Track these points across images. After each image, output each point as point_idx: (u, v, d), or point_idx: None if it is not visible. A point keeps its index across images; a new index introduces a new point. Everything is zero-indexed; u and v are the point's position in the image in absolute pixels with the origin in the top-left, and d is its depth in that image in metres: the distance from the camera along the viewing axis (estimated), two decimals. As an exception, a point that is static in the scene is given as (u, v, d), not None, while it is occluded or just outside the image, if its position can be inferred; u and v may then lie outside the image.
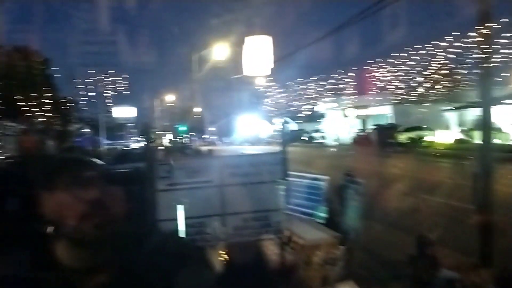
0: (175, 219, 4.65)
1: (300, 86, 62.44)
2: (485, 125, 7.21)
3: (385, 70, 50.12)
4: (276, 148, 5.27)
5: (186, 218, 4.70)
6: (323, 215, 3.05)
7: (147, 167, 4.70)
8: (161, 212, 4.61)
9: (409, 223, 7.63)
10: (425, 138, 34.16)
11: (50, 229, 1.30)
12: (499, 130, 31.03)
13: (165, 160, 7.43)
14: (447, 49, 44.52)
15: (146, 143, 5.13)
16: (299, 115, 64.65)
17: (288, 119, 65.00)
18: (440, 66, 44.50)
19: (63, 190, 1.28)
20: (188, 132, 41.01)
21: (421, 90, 43.69)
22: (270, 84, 61.95)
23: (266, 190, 4.76)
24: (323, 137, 48.18)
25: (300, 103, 63.67)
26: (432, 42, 44.80)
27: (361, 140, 37.72)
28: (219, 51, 23.86)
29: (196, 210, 4.83)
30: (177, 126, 42.15)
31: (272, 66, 8.40)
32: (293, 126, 63.41)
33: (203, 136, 55.70)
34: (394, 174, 14.03)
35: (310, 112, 61.76)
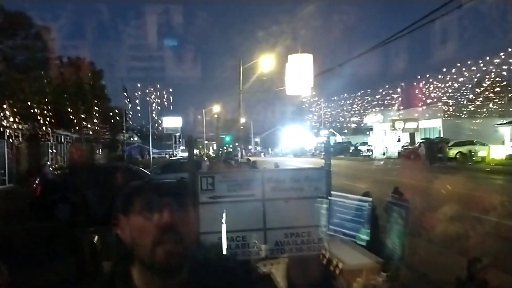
0: (217, 232, 4.63)
1: (347, 101, 61.86)
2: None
3: (435, 85, 48.74)
4: (320, 163, 5.19)
5: (228, 231, 4.68)
6: (366, 237, 2.93)
7: (190, 178, 4.74)
8: (203, 225, 4.62)
9: (461, 244, 7.26)
10: (478, 153, 32.76)
11: (96, 238, 1.31)
12: None
13: (208, 171, 7.50)
14: (501, 65, 42.79)
15: (189, 154, 5.18)
16: (345, 127, 63.95)
17: (333, 132, 64.39)
18: (493, 82, 42.77)
19: (137, 212, 1.29)
20: (233, 142, 41.37)
21: (473, 105, 42.06)
22: (315, 97, 61.72)
23: (309, 206, 4.68)
24: (370, 150, 47.33)
25: (346, 117, 62.99)
26: (485, 57, 43.18)
27: (408, 154, 36.69)
28: (264, 64, 24.05)
29: (238, 223, 4.81)
30: (222, 136, 42.64)
31: (312, 85, 8.31)
32: (339, 138, 62.71)
33: (248, 147, 56.05)
34: (444, 191, 13.49)
35: (356, 125, 60.94)
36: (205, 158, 30.86)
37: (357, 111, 60.95)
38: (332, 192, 3.88)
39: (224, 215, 4.47)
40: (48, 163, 22.89)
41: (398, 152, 39.65)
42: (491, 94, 42.00)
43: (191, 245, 1.30)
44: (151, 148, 39.30)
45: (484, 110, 39.78)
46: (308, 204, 4.79)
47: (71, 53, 33.35)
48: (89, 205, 10.24)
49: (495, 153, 31.97)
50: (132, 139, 56.27)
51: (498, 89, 43.74)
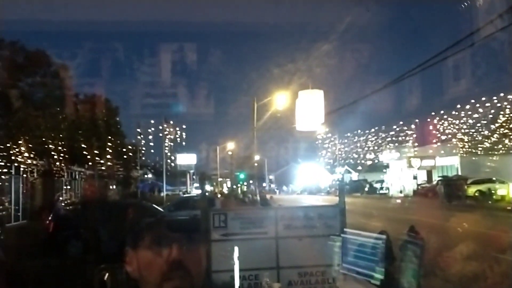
0: (229, 271, 4.54)
1: (361, 138, 61.73)
2: None
3: (449, 121, 48.47)
4: (335, 201, 5.12)
5: (240, 270, 4.59)
6: (380, 276, 2.85)
7: (203, 216, 4.71)
8: (215, 263, 4.55)
9: (478, 283, 7.01)
10: (497, 192, 32.10)
11: (106, 275, 1.30)
12: None
13: (221, 209, 7.45)
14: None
15: (201, 191, 5.18)
16: (359, 164, 63.47)
17: (349, 169, 63.96)
18: (508, 118, 42.31)
19: (145, 248, 1.29)
20: (247, 180, 41.29)
21: (488, 141, 41.55)
22: (329, 134, 61.72)
23: (322, 245, 4.58)
24: (386, 188, 46.76)
25: (360, 153, 62.67)
26: (499, 94, 43.00)
27: (426, 192, 36.19)
28: (278, 101, 24.21)
29: (250, 262, 4.72)
30: (236, 173, 42.63)
31: (323, 120, 8.39)
32: (354, 176, 62.20)
33: (262, 184, 55.84)
34: (462, 229, 13.18)
35: (371, 162, 60.50)
36: (219, 195, 30.78)
37: (372, 148, 60.67)
38: (345, 230, 3.81)
39: (236, 253, 4.39)
40: (61, 198, 23.03)
41: (414, 190, 39.11)
42: (507, 131, 41.47)
43: (199, 283, 1.28)
44: (164, 185, 39.34)
45: (500, 146, 39.27)
46: (321, 243, 4.69)
47: (87, 90, 34.04)
48: (101, 241, 10.22)
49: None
50: (146, 175, 56.54)
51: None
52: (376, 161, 57.73)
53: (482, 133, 44.29)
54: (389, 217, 18.02)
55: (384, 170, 52.91)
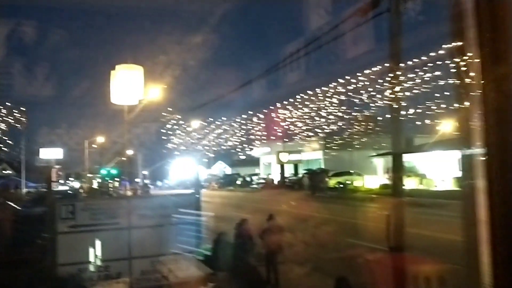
0: (78, 263, 4.45)
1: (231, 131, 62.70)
2: (396, 172, 7.74)
3: (315, 119, 51.60)
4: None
5: (89, 262, 4.52)
6: (205, 252, 3.10)
7: (49, 208, 4.51)
8: (61, 256, 4.41)
9: (319, 263, 7.79)
10: (354, 183, 35.50)
11: None
12: (423, 176, 32.99)
13: (69, 201, 7.18)
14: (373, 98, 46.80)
15: (48, 185, 4.97)
16: (233, 160, 64.94)
17: (222, 163, 65.33)
18: (365, 117, 46.54)
19: None
20: (119, 175, 39.80)
21: (349, 138, 45.30)
22: (205, 129, 61.90)
23: (176, 233, 4.70)
24: (258, 181, 48.64)
25: (235, 148, 64.06)
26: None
27: (292, 184, 38.75)
28: (151, 92, 23.58)
29: (101, 253, 4.65)
30: (105, 169, 40.94)
31: (142, 97, 8.77)
32: (228, 170, 63.64)
33: (135, 180, 54.28)
34: (315, 217, 14.45)
35: (245, 156, 62.30)
36: (81, 191, 29.53)
37: (241, 142, 61.93)
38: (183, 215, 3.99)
39: (86, 244, 4.33)
40: None
41: (284, 183, 41.54)
42: (361, 128, 45.60)
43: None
44: (23, 181, 36.29)
45: (357, 143, 43.19)
46: (175, 231, 4.82)
47: None
48: None
49: (370, 182, 34.83)
50: (4, 171, 51.39)
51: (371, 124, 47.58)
52: (247, 156, 59.58)
53: (346, 131, 48.08)
54: (255, 208, 18.90)
55: (258, 165, 55.08)
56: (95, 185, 48.22)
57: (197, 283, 3.01)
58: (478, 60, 1.97)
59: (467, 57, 2.04)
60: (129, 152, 40.27)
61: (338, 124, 44.72)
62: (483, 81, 1.94)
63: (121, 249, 4.78)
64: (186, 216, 4.68)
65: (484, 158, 1.96)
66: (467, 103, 2.07)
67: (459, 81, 2.16)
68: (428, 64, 28.12)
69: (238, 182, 51.07)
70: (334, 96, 46.34)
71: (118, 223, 4.73)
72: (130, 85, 8.13)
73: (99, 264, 4.46)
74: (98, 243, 4.32)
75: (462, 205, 2.13)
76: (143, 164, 68.96)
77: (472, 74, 2.03)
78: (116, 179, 40.83)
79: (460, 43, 2.10)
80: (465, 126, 2.11)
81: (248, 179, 51.25)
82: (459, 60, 2.13)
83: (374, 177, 37.06)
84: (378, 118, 41.23)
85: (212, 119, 57.55)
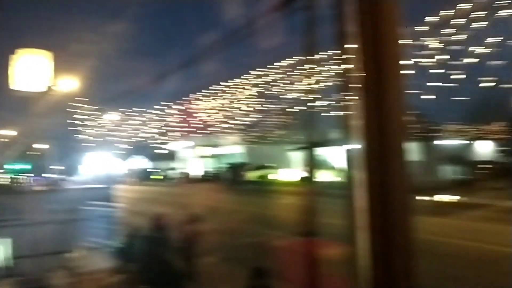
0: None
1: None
2: (308, 164, 8.15)
3: (235, 113, 52.08)
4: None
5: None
6: (115, 245, 3.18)
7: None
8: None
9: (231, 252, 8.05)
10: (270, 176, 36.55)
11: None
12: (332, 168, 34.66)
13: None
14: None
15: None
16: (151, 153, 63.73)
17: (137, 156, 64.04)
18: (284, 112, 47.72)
19: None
20: (31, 170, 37.45)
21: (267, 133, 46.34)
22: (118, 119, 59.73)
23: (79, 227, 4.68)
24: (172, 175, 48.34)
25: (154, 142, 62.79)
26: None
27: (213, 178, 39.03)
28: (64, 84, 22.42)
29: (5, 251, 4.51)
30: (12, 164, 38.36)
31: (49, 84, 8.46)
32: (145, 163, 62.47)
33: (46, 175, 51.40)
34: (225, 209, 14.76)
35: (162, 150, 61.36)
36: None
37: (160, 134, 60.86)
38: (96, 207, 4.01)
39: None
40: None
41: (202, 176, 41.67)
42: (277, 123, 46.84)
43: None
44: None
45: (272, 136, 44.36)
46: (75, 225, 4.78)
47: None
48: None
49: (285, 175, 35.94)
50: None
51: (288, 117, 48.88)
52: (164, 149, 58.84)
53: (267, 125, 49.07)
54: (172, 202, 18.87)
55: (175, 158, 54.57)
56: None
57: (105, 275, 3.09)
58: (360, 60, 2.17)
59: (351, 56, 2.23)
60: (41, 145, 38.04)
61: (257, 117, 45.63)
62: (364, 81, 2.16)
63: (29, 245, 4.67)
64: (98, 209, 4.69)
65: (364, 152, 2.18)
66: (350, 101, 2.27)
67: (344, 80, 2.35)
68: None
69: (155, 177, 50.40)
70: (251, 88, 47.22)
71: (25, 219, 4.63)
72: (35, 71, 7.67)
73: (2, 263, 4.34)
74: (3, 241, 4.21)
75: (346, 195, 2.32)
76: (58, 158, 65.35)
77: (354, 74, 2.22)
78: (27, 174, 38.41)
79: (344, 45, 2.29)
80: (349, 122, 2.31)
81: (164, 173, 50.72)
82: (342, 60, 2.33)
83: (294, 170, 38.17)
84: (295, 110, 42.64)
85: (130, 111, 56.08)
